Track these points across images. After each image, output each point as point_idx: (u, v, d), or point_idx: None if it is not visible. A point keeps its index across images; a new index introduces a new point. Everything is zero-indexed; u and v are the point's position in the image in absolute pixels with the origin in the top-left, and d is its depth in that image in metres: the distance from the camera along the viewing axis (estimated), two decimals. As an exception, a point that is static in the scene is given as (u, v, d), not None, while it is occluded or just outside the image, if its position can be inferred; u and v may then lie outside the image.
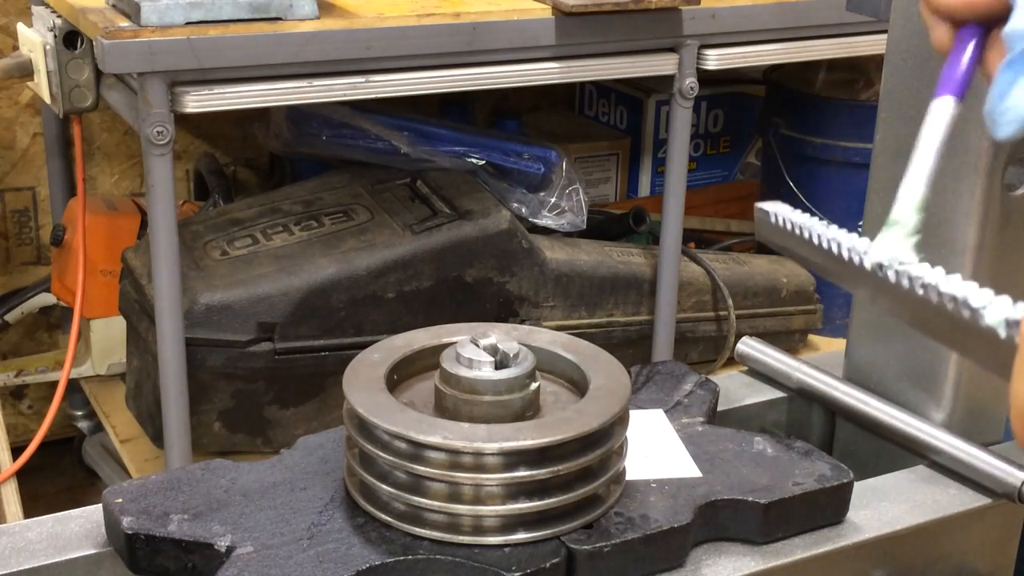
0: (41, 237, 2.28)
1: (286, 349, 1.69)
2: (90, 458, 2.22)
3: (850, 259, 0.51)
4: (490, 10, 1.62)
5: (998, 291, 0.82)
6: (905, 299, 0.48)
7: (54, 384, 1.89)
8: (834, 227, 0.54)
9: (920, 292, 0.47)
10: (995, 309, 0.43)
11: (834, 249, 0.53)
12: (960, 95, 0.52)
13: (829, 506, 0.75)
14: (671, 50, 1.74)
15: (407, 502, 0.67)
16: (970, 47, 0.52)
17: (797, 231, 0.56)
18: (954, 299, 0.45)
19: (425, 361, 0.74)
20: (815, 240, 0.54)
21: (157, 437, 1.69)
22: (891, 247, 0.51)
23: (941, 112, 0.51)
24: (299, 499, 0.70)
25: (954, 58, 0.51)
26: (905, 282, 0.48)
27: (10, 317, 2.16)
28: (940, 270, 0.47)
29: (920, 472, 0.83)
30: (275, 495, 0.70)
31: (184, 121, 1.86)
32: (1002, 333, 0.43)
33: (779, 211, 0.57)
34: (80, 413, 2.24)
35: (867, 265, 0.51)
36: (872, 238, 0.76)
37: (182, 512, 0.68)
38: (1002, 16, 0.49)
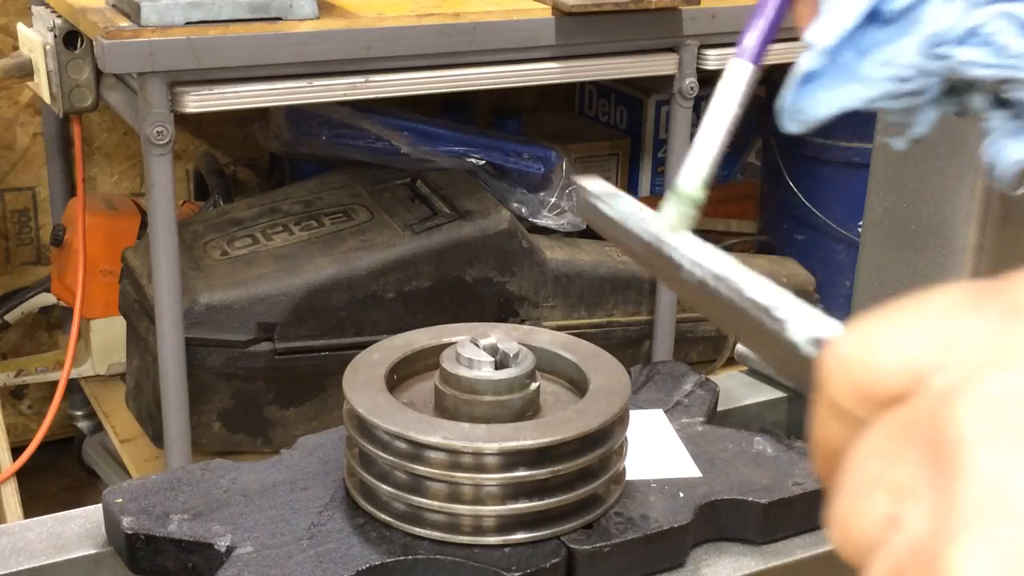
0: (41, 237, 2.28)
1: (286, 349, 1.69)
2: (90, 458, 2.22)
3: (643, 238, 0.46)
4: (490, 10, 1.62)
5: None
6: (693, 288, 0.44)
7: (54, 384, 1.89)
8: (648, 210, 0.48)
9: (712, 284, 0.42)
10: (797, 319, 0.38)
11: (631, 228, 0.47)
12: (756, 61, 0.48)
13: (829, 506, 0.75)
14: (671, 50, 1.74)
15: (407, 502, 0.67)
16: (773, 6, 0.48)
17: (608, 211, 0.50)
18: (755, 303, 0.40)
19: (425, 361, 0.74)
20: (622, 222, 0.48)
21: (157, 437, 1.69)
22: (674, 218, 0.46)
23: (738, 76, 0.47)
24: (299, 499, 0.70)
25: (759, 11, 0.47)
26: (697, 272, 0.43)
27: (10, 317, 2.16)
28: (738, 268, 0.42)
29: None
30: (275, 495, 0.70)
31: (184, 121, 1.86)
32: (805, 351, 0.37)
33: (597, 188, 0.51)
34: (80, 413, 2.24)
35: (647, 239, 0.46)
36: (871, 239, 0.76)
37: (182, 512, 0.68)
38: None
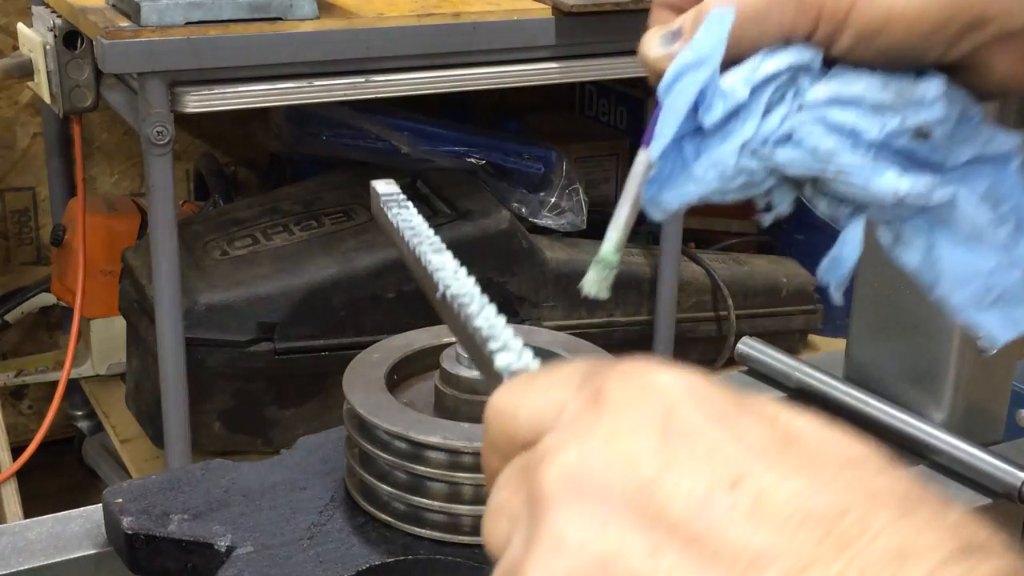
0: (41, 237, 2.28)
1: (286, 349, 1.69)
2: (90, 458, 2.22)
3: (412, 252, 0.54)
4: (490, 10, 1.62)
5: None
6: (439, 305, 0.51)
7: (54, 384, 1.89)
8: (423, 224, 0.55)
9: (453, 307, 0.49)
10: (505, 355, 0.44)
11: (405, 239, 0.54)
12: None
13: (829, 506, 0.75)
14: (671, 50, 1.73)
15: (407, 502, 0.67)
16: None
17: (391, 218, 0.56)
18: (478, 331, 0.45)
19: (425, 361, 0.74)
20: (400, 231, 0.55)
21: (157, 437, 1.69)
22: (596, 283, 0.55)
23: (640, 163, 0.53)
24: (299, 499, 0.70)
25: (656, 112, 0.53)
26: (446, 293, 0.50)
27: (10, 317, 2.17)
28: (477, 295, 0.49)
29: (920, 472, 0.83)
30: (275, 495, 0.70)
31: (184, 121, 1.86)
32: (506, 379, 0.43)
33: (389, 195, 0.58)
34: (80, 413, 2.24)
35: (416, 254, 0.53)
36: (869, 240, 0.77)
37: (182, 512, 0.68)
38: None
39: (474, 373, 0.68)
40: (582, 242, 1.97)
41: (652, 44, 0.53)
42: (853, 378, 0.91)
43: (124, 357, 1.90)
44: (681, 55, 0.50)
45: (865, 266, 0.89)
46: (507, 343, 0.45)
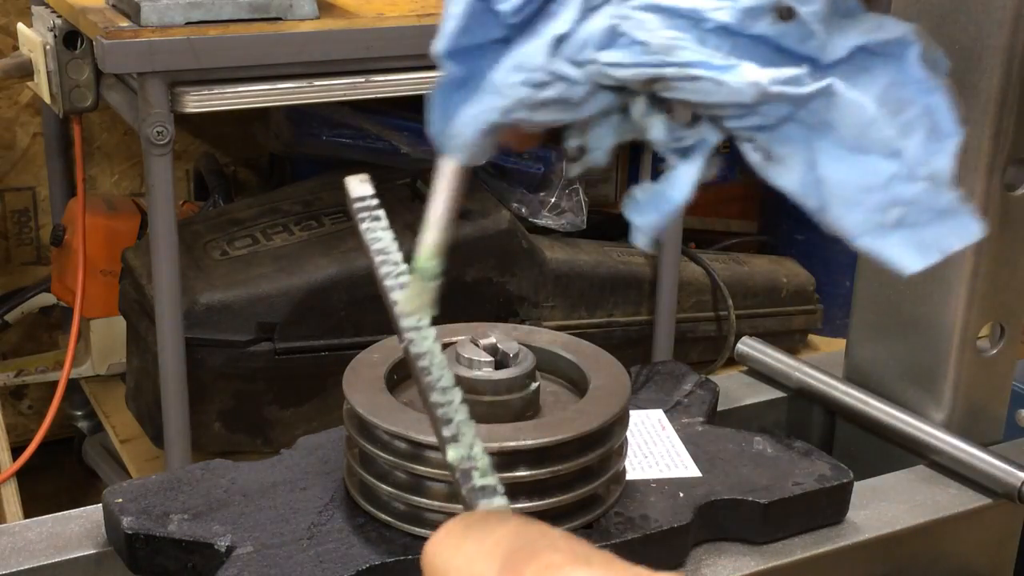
0: (41, 237, 2.28)
1: (286, 349, 1.69)
2: (90, 458, 2.22)
3: (380, 277, 0.48)
4: (490, 10, 1.62)
5: (996, 292, 0.82)
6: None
7: (54, 384, 1.89)
8: (392, 246, 0.49)
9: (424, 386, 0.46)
10: (455, 450, 0.45)
11: (376, 268, 0.49)
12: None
13: (829, 506, 0.75)
14: (671, 50, 1.73)
15: (407, 502, 0.67)
16: None
17: (361, 225, 0.51)
18: (435, 408, 0.45)
19: (425, 361, 0.74)
20: (368, 243, 0.50)
21: (157, 437, 1.69)
22: (412, 300, 0.47)
23: (448, 167, 0.46)
24: (299, 499, 0.70)
25: None
26: (419, 362, 0.46)
27: (10, 317, 2.16)
28: (437, 355, 0.45)
29: (920, 472, 0.83)
30: (275, 495, 0.70)
31: (184, 121, 1.86)
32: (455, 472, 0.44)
33: (361, 200, 0.51)
34: (80, 413, 2.24)
35: (385, 283, 0.48)
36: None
37: (182, 512, 0.68)
38: None
39: (474, 373, 0.68)
40: (582, 242, 1.97)
41: None
42: (853, 378, 0.91)
43: (124, 357, 1.90)
44: None
45: (865, 266, 0.89)
46: (459, 429, 0.46)
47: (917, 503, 0.79)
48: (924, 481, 0.82)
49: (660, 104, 0.41)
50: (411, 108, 1.98)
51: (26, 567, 0.69)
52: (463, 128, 0.43)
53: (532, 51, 0.40)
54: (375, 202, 0.54)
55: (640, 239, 0.42)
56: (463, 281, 1.76)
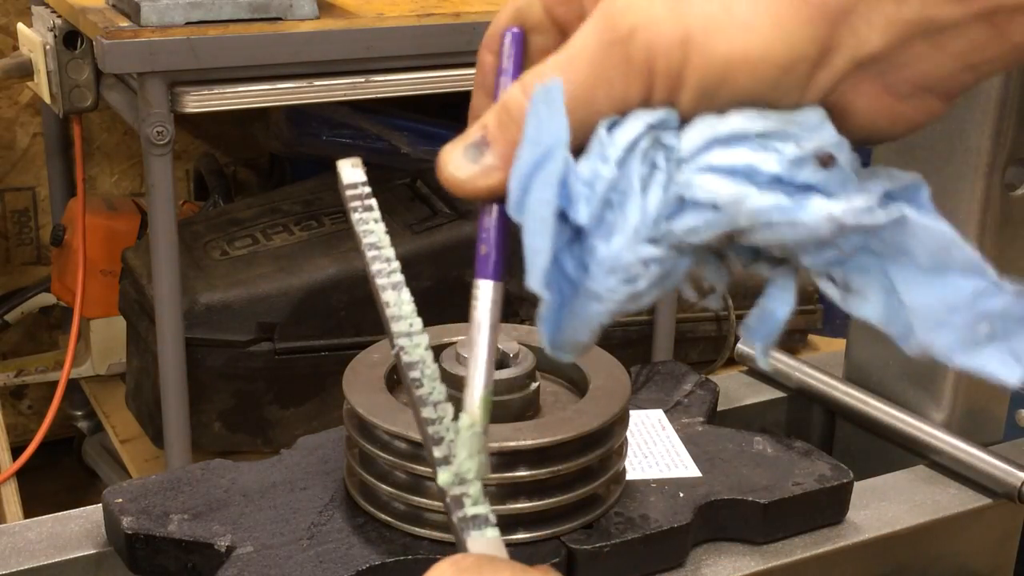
0: (41, 237, 2.28)
1: (286, 349, 1.69)
2: (90, 458, 2.22)
3: (371, 277, 0.48)
4: (490, 10, 1.62)
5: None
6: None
7: (54, 384, 1.89)
8: (385, 240, 0.48)
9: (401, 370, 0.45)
10: (446, 473, 0.44)
11: (367, 265, 0.48)
12: (498, 277, 0.47)
13: (829, 506, 0.75)
14: (671, 50, 1.73)
15: (407, 502, 0.67)
16: (493, 221, 0.47)
17: (353, 216, 0.50)
18: (426, 424, 0.44)
19: (425, 361, 0.74)
20: (360, 236, 0.49)
21: (157, 437, 1.69)
22: (467, 453, 0.45)
23: (486, 295, 0.47)
24: (299, 499, 0.70)
25: (483, 232, 0.46)
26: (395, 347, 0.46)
27: (10, 317, 2.16)
28: (429, 363, 0.46)
29: (920, 472, 0.83)
30: (275, 495, 0.70)
31: (184, 121, 1.86)
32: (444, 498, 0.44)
33: (353, 187, 0.51)
34: (80, 413, 2.24)
35: (376, 281, 0.47)
36: None
37: (182, 512, 0.68)
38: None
39: (474, 373, 0.68)
40: (582, 242, 1.97)
41: (456, 162, 0.45)
42: (853, 378, 0.91)
43: (124, 357, 1.90)
44: (518, 157, 0.42)
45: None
46: (450, 450, 0.44)
47: (917, 503, 0.79)
48: (924, 481, 0.82)
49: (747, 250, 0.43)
50: (411, 108, 1.98)
51: (26, 567, 0.69)
52: (576, 338, 0.44)
53: (618, 249, 0.41)
54: (367, 190, 0.52)
55: (762, 362, 0.43)
56: (463, 281, 1.76)
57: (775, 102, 0.41)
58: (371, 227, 0.50)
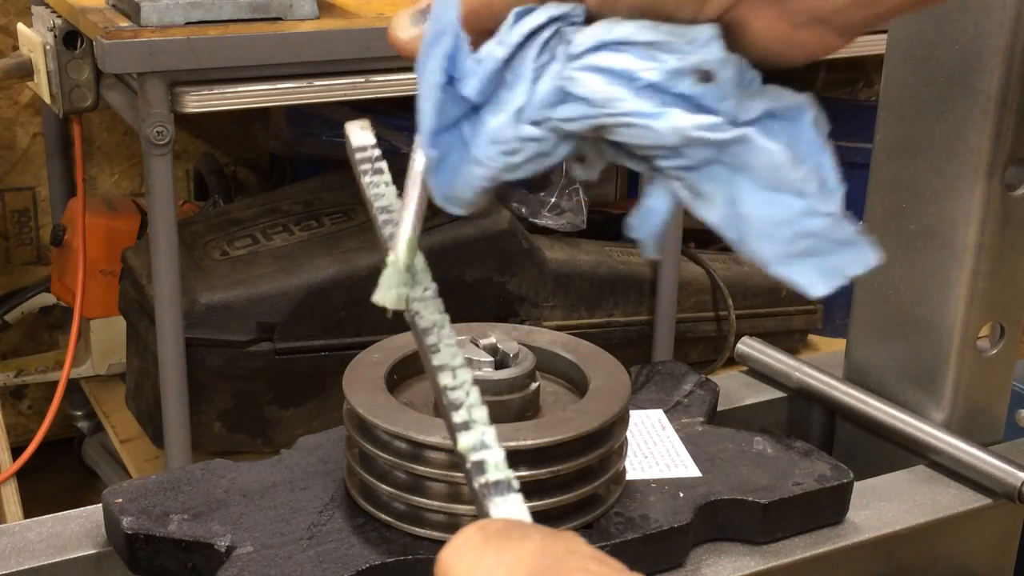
0: (41, 237, 2.28)
1: (286, 349, 1.69)
2: (90, 458, 2.22)
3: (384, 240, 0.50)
4: (490, 10, 1.62)
5: (996, 292, 0.82)
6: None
7: (54, 384, 1.89)
8: (396, 204, 0.51)
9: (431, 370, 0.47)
10: (467, 436, 0.44)
11: (378, 228, 0.51)
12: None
13: (829, 506, 0.75)
14: (671, 50, 1.73)
15: (407, 502, 0.67)
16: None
17: (363, 179, 0.52)
18: (444, 391, 0.45)
19: (425, 361, 0.74)
20: (370, 200, 0.51)
21: (157, 437, 1.69)
22: (391, 285, 0.48)
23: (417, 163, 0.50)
24: (299, 499, 0.70)
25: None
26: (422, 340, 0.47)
27: (10, 317, 2.17)
28: (445, 326, 0.48)
29: (920, 472, 0.83)
30: (275, 495, 0.70)
31: (184, 121, 1.86)
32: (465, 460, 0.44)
33: (362, 150, 0.53)
34: (80, 413, 2.24)
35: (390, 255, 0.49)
36: (871, 239, 0.78)
37: (182, 512, 0.68)
38: None
39: (474, 373, 0.68)
40: (582, 242, 1.97)
41: (402, 25, 0.50)
42: (853, 378, 0.91)
43: (124, 357, 1.90)
44: (424, 33, 0.48)
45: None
46: (471, 415, 0.44)
47: (917, 503, 0.79)
48: (924, 481, 0.82)
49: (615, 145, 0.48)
50: (411, 108, 1.98)
51: (26, 567, 0.69)
52: (461, 194, 0.49)
53: (500, 124, 0.47)
54: (377, 152, 0.52)
55: (647, 251, 0.49)
56: (463, 281, 1.76)
57: (673, 13, 0.45)
58: (382, 190, 0.51)
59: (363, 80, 1.56)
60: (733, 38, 0.46)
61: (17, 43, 1.79)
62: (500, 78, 0.47)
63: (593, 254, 1.94)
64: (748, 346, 0.96)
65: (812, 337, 2.24)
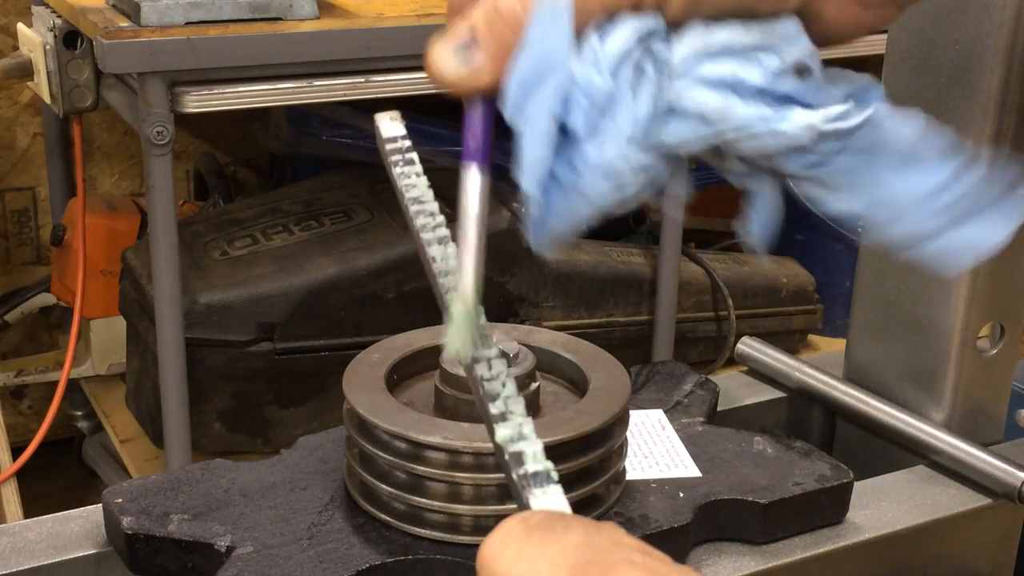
0: (41, 237, 2.28)
1: (286, 349, 1.69)
2: (90, 458, 2.22)
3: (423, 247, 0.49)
4: (490, 10, 1.62)
5: (996, 292, 0.82)
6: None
7: (54, 384, 1.89)
8: (435, 217, 0.49)
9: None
10: (505, 429, 0.43)
11: (410, 220, 0.49)
12: (485, 163, 0.48)
13: (829, 506, 0.75)
14: (671, 50, 1.73)
15: (407, 502, 0.67)
16: (479, 116, 0.47)
17: (393, 169, 0.50)
18: (480, 381, 0.44)
19: (425, 361, 0.74)
20: (401, 196, 0.49)
21: (157, 437, 1.69)
22: (462, 339, 0.46)
23: (473, 185, 0.47)
24: (299, 499, 0.70)
25: (471, 130, 0.47)
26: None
27: (10, 317, 2.16)
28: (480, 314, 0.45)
29: (920, 472, 0.83)
30: (275, 495, 0.70)
31: (184, 121, 1.86)
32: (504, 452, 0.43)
33: (393, 141, 0.52)
34: (80, 413, 2.24)
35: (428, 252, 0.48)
36: (871, 239, 0.78)
37: (182, 512, 0.68)
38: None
39: (474, 373, 0.68)
40: (582, 242, 1.97)
41: (446, 61, 0.46)
42: (853, 378, 0.91)
43: (124, 357, 1.90)
44: (520, 64, 0.44)
45: (865, 266, 0.89)
46: (507, 406, 0.43)
47: (917, 503, 0.79)
48: (924, 481, 0.82)
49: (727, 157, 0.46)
50: (411, 108, 1.98)
51: (26, 567, 0.69)
52: (562, 233, 0.46)
53: (610, 155, 0.44)
54: (408, 143, 0.52)
55: (758, 247, 0.47)
56: (463, 281, 1.76)
57: (755, 10, 0.44)
58: (413, 181, 0.50)
59: (363, 80, 1.56)
60: (807, 25, 0.45)
61: (17, 43, 1.79)
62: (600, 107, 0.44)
63: (593, 254, 1.94)
64: (748, 346, 0.96)
65: (812, 337, 2.24)
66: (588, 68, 0.43)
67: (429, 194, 0.50)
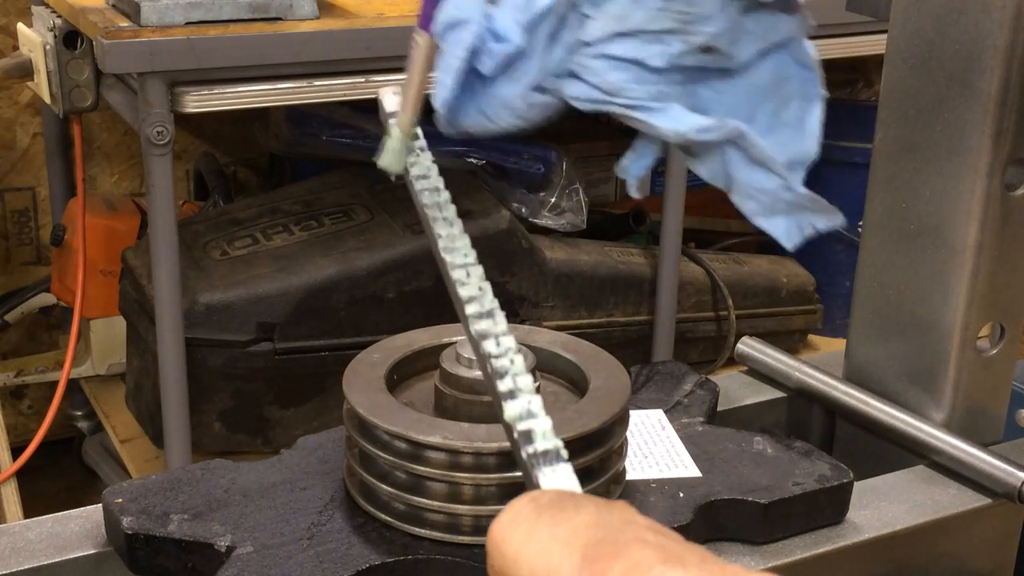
0: (41, 237, 2.28)
1: (286, 349, 1.69)
2: (90, 458, 2.22)
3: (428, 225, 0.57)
4: (490, 10, 1.62)
5: (996, 292, 0.82)
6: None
7: (54, 384, 1.89)
8: (446, 205, 0.57)
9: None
10: (514, 405, 0.43)
11: (415, 195, 0.56)
12: (427, 28, 0.57)
13: (829, 506, 0.75)
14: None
15: (407, 502, 0.67)
16: None
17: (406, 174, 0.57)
18: (489, 360, 0.45)
19: (425, 361, 0.74)
20: (405, 172, 0.57)
21: (157, 437, 1.69)
22: (394, 157, 0.55)
23: (420, 47, 0.56)
24: (299, 499, 0.70)
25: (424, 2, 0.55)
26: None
27: (10, 317, 2.16)
28: (489, 300, 0.50)
29: (920, 472, 0.83)
30: (275, 495, 0.70)
31: (184, 121, 1.86)
32: (512, 429, 0.43)
33: (396, 108, 0.58)
34: (80, 413, 2.24)
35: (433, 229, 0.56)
36: (871, 239, 0.81)
37: (182, 512, 0.68)
38: None
39: (474, 373, 0.68)
40: (582, 242, 1.97)
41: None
42: (853, 378, 0.91)
43: (124, 357, 1.90)
44: (447, 8, 0.52)
45: (865, 266, 0.89)
46: (516, 383, 0.43)
47: (917, 503, 0.79)
48: (924, 481, 0.82)
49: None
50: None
51: (26, 567, 0.69)
52: (465, 127, 0.53)
53: (513, 95, 0.51)
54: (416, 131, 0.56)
55: (631, 191, 0.55)
56: (463, 281, 1.76)
57: None
58: (417, 156, 0.55)
59: (363, 80, 1.56)
60: None
61: (17, 43, 1.79)
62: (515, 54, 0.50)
63: (593, 254, 1.94)
64: (748, 346, 0.96)
65: (812, 337, 2.24)
66: (509, 22, 0.49)
67: (434, 168, 0.53)
